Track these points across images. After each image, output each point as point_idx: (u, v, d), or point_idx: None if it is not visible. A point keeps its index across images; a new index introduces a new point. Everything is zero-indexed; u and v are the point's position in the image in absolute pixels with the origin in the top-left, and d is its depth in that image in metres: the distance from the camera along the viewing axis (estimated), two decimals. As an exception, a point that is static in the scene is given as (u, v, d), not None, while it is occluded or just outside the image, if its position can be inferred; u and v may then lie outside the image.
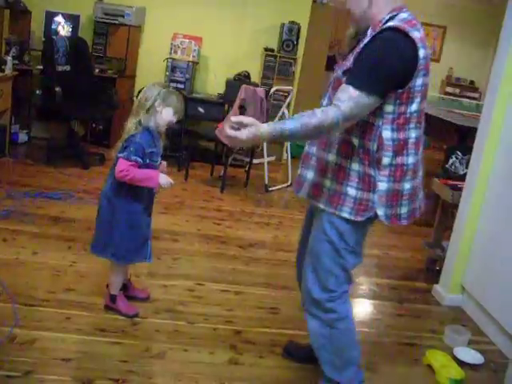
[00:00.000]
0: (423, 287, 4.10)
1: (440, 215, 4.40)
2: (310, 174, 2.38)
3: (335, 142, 2.26)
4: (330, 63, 8.11)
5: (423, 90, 2.16)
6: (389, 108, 2.14)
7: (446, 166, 4.63)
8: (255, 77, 7.37)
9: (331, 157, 2.28)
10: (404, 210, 2.29)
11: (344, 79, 2.14)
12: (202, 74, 7.42)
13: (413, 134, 2.21)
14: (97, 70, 6.54)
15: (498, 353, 3.31)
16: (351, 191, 2.24)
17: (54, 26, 6.66)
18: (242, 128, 2.07)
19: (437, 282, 3.98)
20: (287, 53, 7.35)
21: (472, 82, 11.62)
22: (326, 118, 2.05)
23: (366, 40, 2.12)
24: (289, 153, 6.79)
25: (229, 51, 7.38)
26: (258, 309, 3.44)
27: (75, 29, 6.75)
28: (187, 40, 6.99)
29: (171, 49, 6.99)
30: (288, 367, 2.88)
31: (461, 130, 5.90)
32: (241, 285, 3.71)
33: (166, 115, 2.88)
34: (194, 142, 6.50)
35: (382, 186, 2.22)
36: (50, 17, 6.66)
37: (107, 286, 3.13)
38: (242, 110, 5.50)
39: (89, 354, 2.72)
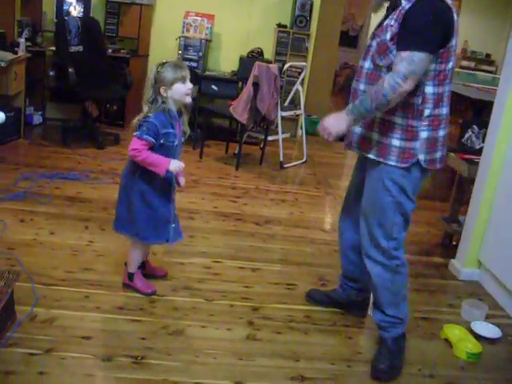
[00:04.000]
0: (440, 262, 4.09)
1: (456, 190, 4.37)
2: (357, 129, 2.67)
3: None
4: (344, 38, 8.06)
5: (455, 49, 2.48)
6: (431, 66, 2.42)
7: (462, 140, 4.60)
8: (268, 53, 7.32)
9: (377, 113, 2.54)
10: (438, 155, 2.62)
11: (391, 43, 2.43)
12: (214, 51, 7.40)
13: (447, 88, 2.54)
14: (110, 50, 6.53)
15: (516, 326, 3.31)
16: (396, 142, 2.54)
17: (65, 7, 6.64)
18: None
19: (453, 257, 3.97)
20: (300, 29, 7.29)
21: (488, 55, 11.48)
22: (383, 81, 2.40)
23: (407, 6, 2.39)
24: (303, 129, 6.77)
25: (241, 28, 7.34)
26: (275, 285, 3.46)
27: (87, 9, 6.73)
28: (199, 18, 6.96)
29: (184, 27, 6.97)
30: (305, 343, 2.89)
31: (476, 103, 5.85)
32: (257, 261, 3.73)
33: (177, 91, 2.81)
34: (208, 120, 6.48)
35: (423, 134, 2.53)
36: (61, -3, 6.64)
37: (125, 264, 3.15)
38: (256, 87, 5.48)
39: (108, 331, 2.76)
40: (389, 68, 2.45)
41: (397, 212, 2.64)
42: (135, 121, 2.85)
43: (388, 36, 2.44)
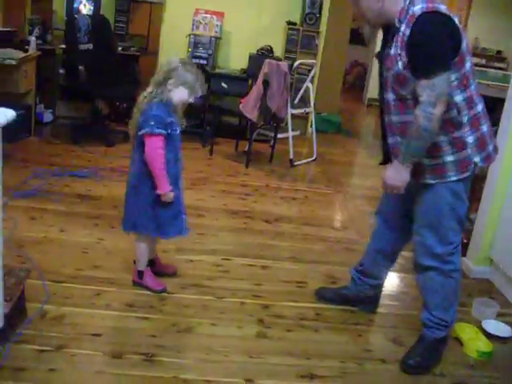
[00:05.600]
0: (451, 260, 4.07)
1: (467, 187, 4.34)
2: None
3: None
4: (354, 36, 8.04)
5: (469, 48, 2.45)
6: (452, 77, 2.38)
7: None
8: (278, 51, 7.31)
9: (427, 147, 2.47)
10: (491, 148, 2.61)
11: (406, 71, 2.38)
12: (224, 49, 7.39)
13: (472, 87, 2.50)
14: (119, 48, 6.54)
15: (528, 325, 3.30)
16: (449, 158, 2.52)
17: (75, 5, 6.66)
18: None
19: (464, 255, 3.95)
20: (310, 26, 7.28)
21: (499, 52, 11.41)
22: (417, 118, 2.35)
23: (407, 32, 2.35)
24: (314, 127, 6.76)
25: (251, 26, 7.32)
26: (285, 283, 3.45)
27: (97, 7, 6.75)
28: (209, 15, 6.96)
29: (193, 24, 6.96)
30: (316, 341, 2.89)
31: (487, 101, 5.81)
32: (267, 259, 3.72)
33: (179, 95, 2.82)
34: (217, 118, 6.48)
35: (470, 139, 2.51)
36: (71, -4, 6.65)
37: (134, 262, 3.15)
38: (266, 85, 5.47)
39: (118, 329, 2.76)
40: (414, 94, 2.40)
41: (452, 217, 2.62)
42: (141, 98, 2.85)
43: (400, 66, 2.40)
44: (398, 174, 2.50)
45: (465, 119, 2.48)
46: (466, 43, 2.42)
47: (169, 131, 2.82)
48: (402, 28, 2.38)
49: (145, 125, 2.78)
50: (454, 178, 2.53)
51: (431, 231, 2.66)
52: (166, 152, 2.83)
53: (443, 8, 2.34)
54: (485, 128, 2.56)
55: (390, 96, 2.54)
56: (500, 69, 10.52)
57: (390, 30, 2.49)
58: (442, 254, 2.67)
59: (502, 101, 3.76)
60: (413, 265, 2.85)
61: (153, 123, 2.76)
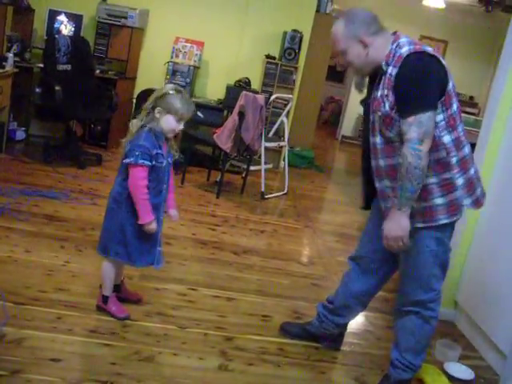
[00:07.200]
0: (416, 300, 4.08)
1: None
2: (391, 203, 2.55)
3: None
4: (331, 73, 8.14)
5: (454, 90, 2.47)
6: (439, 117, 2.41)
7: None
8: (256, 84, 7.38)
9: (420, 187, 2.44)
10: (478, 192, 2.60)
11: (393, 112, 2.40)
12: (202, 78, 7.43)
13: (460, 129, 2.51)
14: (97, 71, 6.55)
15: (489, 369, 3.31)
16: (439, 201, 2.50)
17: (56, 25, 6.67)
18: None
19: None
20: (289, 61, 7.36)
21: (471, 98, 11.64)
22: (405, 157, 2.35)
23: (394, 72, 2.39)
24: (286, 161, 6.80)
25: (230, 57, 7.40)
26: (250, 316, 3.43)
27: (78, 28, 6.76)
28: (189, 44, 7.01)
29: (173, 52, 7.00)
30: (278, 376, 2.86)
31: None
32: (233, 291, 3.70)
33: (168, 123, 2.81)
34: (191, 147, 6.48)
35: (460, 181, 2.50)
36: (53, 15, 6.67)
37: (100, 286, 3.11)
38: (241, 117, 5.50)
39: (78, 354, 2.71)
40: (399, 135, 2.42)
41: (435, 264, 2.62)
42: (131, 125, 2.84)
43: (387, 107, 2.41)
44: (396, 224, 2.44)
45: (453, 160, 2.47)
46: (453, 84, 2.45)
47: (153, 163, 2.81)
48: (389, 70, 2.41)
49: (130, 154, 2.77)
50: (445, 221, 2.51)
51: (414, 280, 2.67)
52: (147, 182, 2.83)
53: (430, 49, 2.39)
54: (472, 171, 2.56)
55: (378, 140, 2.53)
56: (472, 114, 10.70)
57: (376, 75, 2.51)
58: (424, 300, 2.67)
59: (473, 145, 3.82)
60: (393, 310, 2.85)
61: (138, 153, 2.75)
